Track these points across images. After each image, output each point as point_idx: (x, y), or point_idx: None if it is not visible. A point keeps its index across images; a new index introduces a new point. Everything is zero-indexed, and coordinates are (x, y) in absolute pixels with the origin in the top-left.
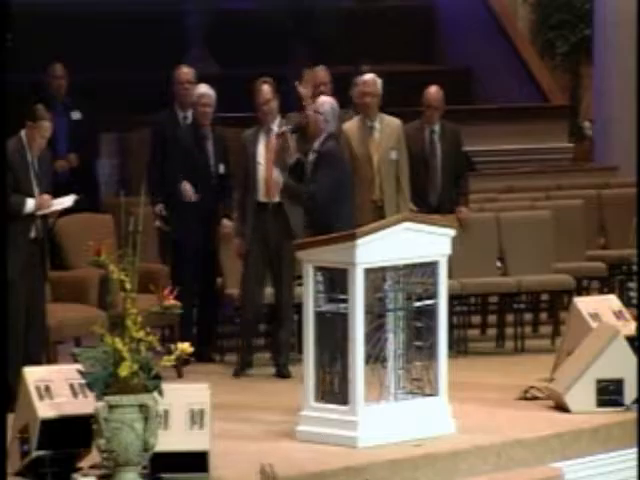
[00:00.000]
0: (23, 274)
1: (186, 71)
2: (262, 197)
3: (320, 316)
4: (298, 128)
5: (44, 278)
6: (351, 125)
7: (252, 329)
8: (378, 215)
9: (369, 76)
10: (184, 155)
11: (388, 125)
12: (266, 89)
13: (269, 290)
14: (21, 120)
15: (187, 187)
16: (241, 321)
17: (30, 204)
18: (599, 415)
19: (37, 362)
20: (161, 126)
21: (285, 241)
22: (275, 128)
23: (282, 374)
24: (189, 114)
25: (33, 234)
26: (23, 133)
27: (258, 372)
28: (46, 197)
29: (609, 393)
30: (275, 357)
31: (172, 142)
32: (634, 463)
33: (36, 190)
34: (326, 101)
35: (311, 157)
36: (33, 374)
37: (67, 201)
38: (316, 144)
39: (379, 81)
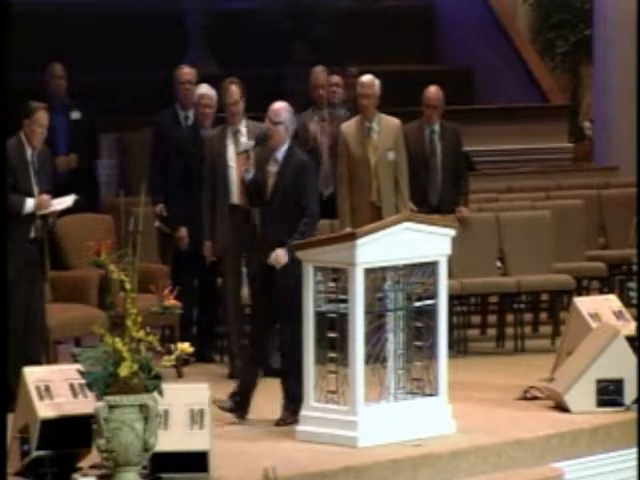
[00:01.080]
0: (22, 274)
1: (187, 71)
2: (236, 200)
3: (320, 316)
4: (260, 141)
5: (44, 278)
6: (349, 126)
7: (237, 331)
8: (376, 216)
9: (367, 77)
10: (184, 156)
11: (386, 125)
12: (234, 89)
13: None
14: (18, 121)
15: (183, 233)
16: (226, 325)
17: (29, 204)
18: (599, 415)
19: (37, 362)
20: (162, 126)
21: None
22: (243, 129)
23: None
24: (190, 114)
25: (33, 234)
26: (22, 132)
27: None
28: (45, 197)
29: (609, 393)
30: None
31: (173, 143)
32: (634, 463)
33: (35, 188)
34: (281, 108)
35: (273, 168)
36: (33, 374)
37: (67, 201)
38: (279, 154)
39: (377, 82)
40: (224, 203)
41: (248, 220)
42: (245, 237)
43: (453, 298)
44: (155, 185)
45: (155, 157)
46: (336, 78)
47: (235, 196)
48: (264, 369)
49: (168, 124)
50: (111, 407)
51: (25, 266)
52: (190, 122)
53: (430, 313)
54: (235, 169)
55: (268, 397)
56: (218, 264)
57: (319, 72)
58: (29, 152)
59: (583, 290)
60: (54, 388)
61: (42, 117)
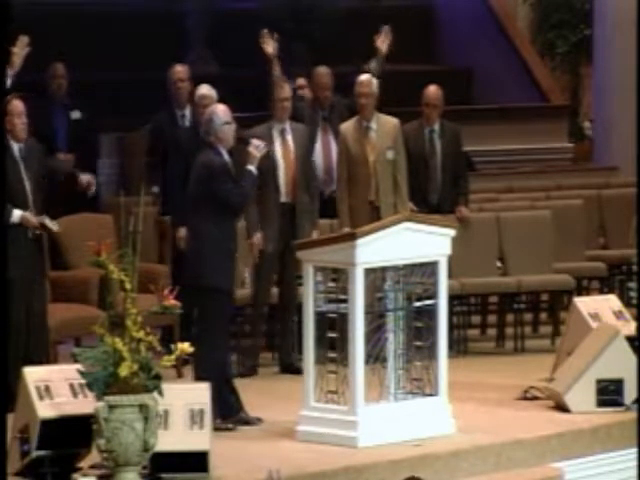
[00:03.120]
0: (23, 273)
1: (180, 70)
2: (284, 197)
3: (320, 316)
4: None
5: (43, 276)
6: (348, 125)
7: (261, 329)
8: (375, 216)
9: (364, 76)
10: (184, 156)
11: (385, 125)
12: (287, 87)
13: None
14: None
15: (183, 233)
16: (254, 321)
17: (16, 216)
18: (599, 415)
19: (38, 362)
20: (160, 128)
21: (291, 241)
22: (288, 127)
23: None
24: (187, 112)
25: (31, 234)
26: (6, 131)
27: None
28: (29, 217)
29: (609, 393)
30: (286, 354)
31: (172, 143)
32: (634, 463)
33: (27, 183)
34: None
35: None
36: (33, 374)
37: (53, 226)
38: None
39: (374, 81)
40: (274, 200)
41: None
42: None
43: (453, 298)
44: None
45: (151, 159)
46: (301, 80)
47: (284, 194)
48: (283, 367)
49: (166, 125)
50: (111, 407)
51: (25, 265)
52: (187, 120)
53: (430, 313)
54: (283, 165)
55: (269, 397)
56: (262, 256)
57: (322, 72)
58: (16, 147)
59: (583, 290)
60: (54, 388)
61: (16, 106)
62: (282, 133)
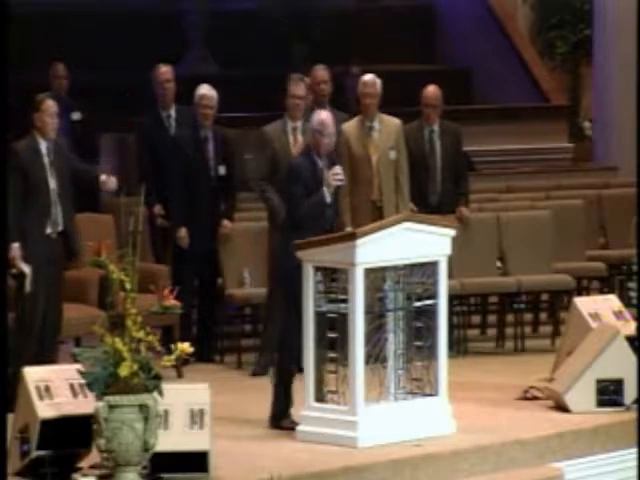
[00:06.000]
0: (40, 270)
1: (164, 70)
2: None
3: (320, 316)
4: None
5: (60, 274)
6: (350, 125)
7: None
8: (377, 215)
9: (368, 77)
10: (182, 157)
11: (387, 125)
12: (303, 86)
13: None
14: (27, 120)
15: (183, 233)
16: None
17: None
18: (599, 415)
19: (49, 361)
20: (148, 131)
21: None
22: (300, 126)
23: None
24: (172, 112)
25: (49, 230)
26: (34, 129)
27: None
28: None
29: (609, 393)
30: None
31: (167, 144)
32: (634, 463)
33: (50, 180)
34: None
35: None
36: (33, 374)
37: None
38: None
39: (378, 81)
40: None
41: None
42: None
43: (453, 298)
44: (150, 186)
45: (143, 160)
46: (308, 80)
47: None
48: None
49: (153, 129)
50: (111, 407)
51: (43, 263)
52: (173, 120)
53: (430, 313)
54: None
55: (270, 397)
56: None
57: (319, 70)
58: (44, 145)
59: (583, 290)
60: (54, 388)
61: (50, 106)
62: (294, 131)
